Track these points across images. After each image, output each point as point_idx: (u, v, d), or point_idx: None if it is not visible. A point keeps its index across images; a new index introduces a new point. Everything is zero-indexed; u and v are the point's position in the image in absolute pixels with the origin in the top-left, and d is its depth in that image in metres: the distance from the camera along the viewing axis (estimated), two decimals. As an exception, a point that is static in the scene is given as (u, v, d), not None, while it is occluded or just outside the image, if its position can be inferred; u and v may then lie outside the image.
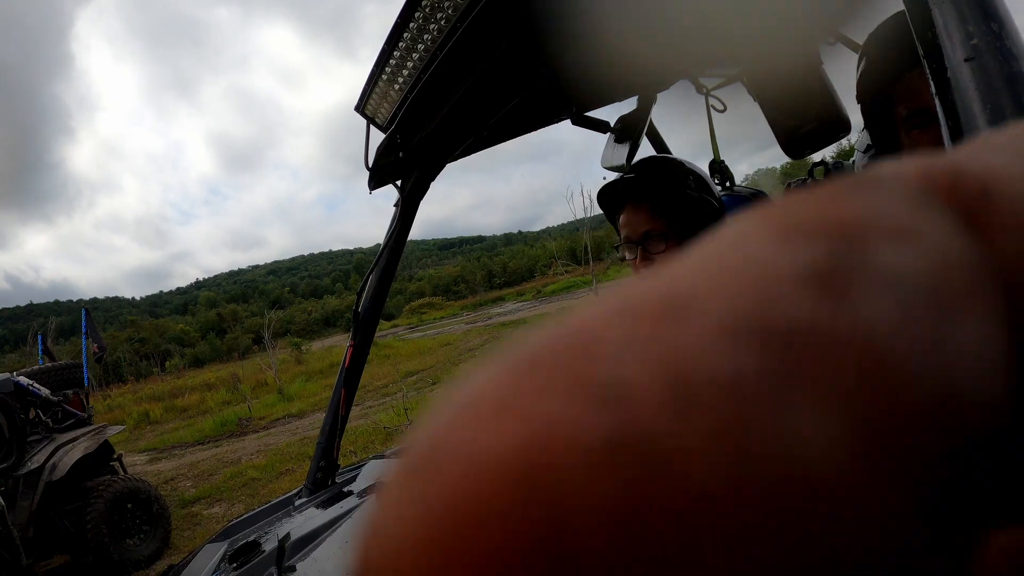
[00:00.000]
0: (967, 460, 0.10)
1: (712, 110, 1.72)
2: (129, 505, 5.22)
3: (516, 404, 0.10)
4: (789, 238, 0.11)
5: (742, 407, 0.09)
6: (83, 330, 6.51)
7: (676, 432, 0.09)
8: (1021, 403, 0.11)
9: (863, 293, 0.10)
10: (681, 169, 1.28)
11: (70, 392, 5.74)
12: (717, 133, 1.73)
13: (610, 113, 1.65)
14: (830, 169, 1.69)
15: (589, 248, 9.35)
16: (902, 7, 0.61)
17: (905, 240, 0.11)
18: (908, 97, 0.95)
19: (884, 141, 1.04)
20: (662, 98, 1.59)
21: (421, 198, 1.85)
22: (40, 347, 6.68)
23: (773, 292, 0.10)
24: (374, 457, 2.22)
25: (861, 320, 0.10)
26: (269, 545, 1.51)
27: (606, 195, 1.30)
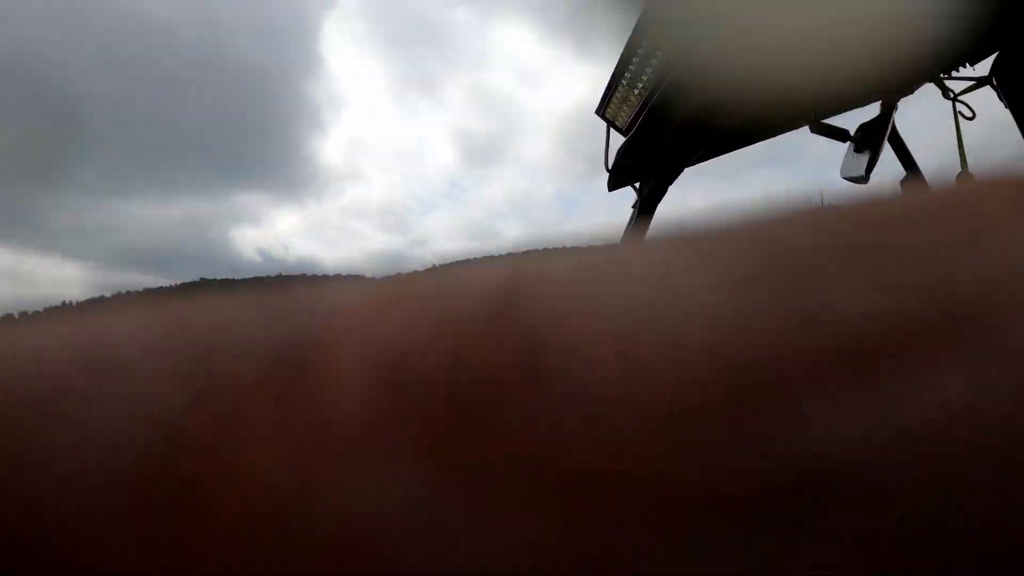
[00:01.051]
0: None
1: (960, 116, 1.61)
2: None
3: None
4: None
5: None
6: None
7: None
8: None
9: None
10: None
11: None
12: (967, 141, 1.61)
13: (850, 121, 1.60)
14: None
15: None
16: None
17: None
18: None
19: None
20: (904, 104, 1.54)
21: (659, 201, 1.84)
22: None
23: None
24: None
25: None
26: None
27: None
